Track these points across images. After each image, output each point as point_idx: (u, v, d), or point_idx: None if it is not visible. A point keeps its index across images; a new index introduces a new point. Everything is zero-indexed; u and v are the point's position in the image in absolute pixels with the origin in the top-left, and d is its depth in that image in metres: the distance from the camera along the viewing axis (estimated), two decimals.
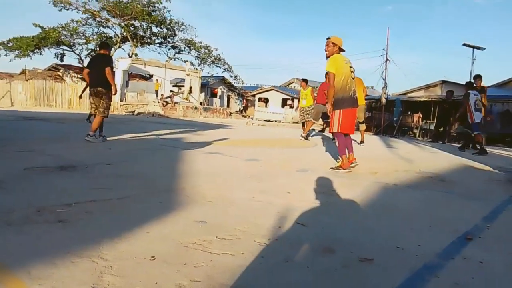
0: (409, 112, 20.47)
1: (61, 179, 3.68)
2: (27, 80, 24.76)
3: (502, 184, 4.66)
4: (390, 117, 20.04)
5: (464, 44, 21.86)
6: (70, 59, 48.09)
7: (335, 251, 2.13)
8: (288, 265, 1.93)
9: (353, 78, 5.05)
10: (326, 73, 5.07)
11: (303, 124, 11.53)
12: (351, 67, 5.03)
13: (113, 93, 6.95)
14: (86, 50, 30.34)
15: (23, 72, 27.07)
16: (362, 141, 9.15)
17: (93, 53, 30.12)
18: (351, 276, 1.83)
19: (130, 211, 2.74)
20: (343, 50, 5.07)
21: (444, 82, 24.49)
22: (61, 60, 30.50)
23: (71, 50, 29.83)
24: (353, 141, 8.85)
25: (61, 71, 32.14)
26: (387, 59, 23.82)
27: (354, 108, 5.07)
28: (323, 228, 2.54)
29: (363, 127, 9.42)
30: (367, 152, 7.81)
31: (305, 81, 11.36)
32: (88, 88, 7.03)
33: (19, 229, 2.21)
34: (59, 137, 7.32)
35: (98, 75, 6.72)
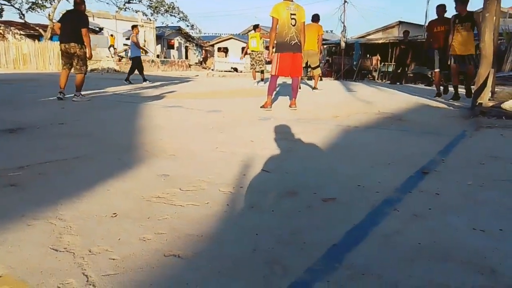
0: (368, 55, 20.64)
1: (11, 141, 3.46)
2: None
3: (457, 120, 4.86)
4: (350, 61, 20.17)
5: None
6: (10, 14, 43.95)
7: (299, 193, 2.16)
8: (253, 210, 1.94)
9: (293, 25, 5.37)
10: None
11: (262, 72, 11.39)
12: (292, 14, 5.35)
13: (88, 57, 6.67)
14: (26, 3, 27.78)
15: None
16: (315, 87, 9.16)
17: (34, 6, 27.71)
18: (315, 215, 1.87)
19: (88, 170, 2.63)
20: None
21: (401, 23, 24.70)
22: (0, 16, 27.89)
23: (10, 4, 27.19)
24: (305, 87, 8.96)
25: (1, 28, 29.48)
26: (345, 1, 23.53)
27: (292, 52, 5.46)
28: (286, 173, 2.56)
29: (316, 72, 9.34)
30: (328, 98, 7.89)
31: (256, 26, 11.08)
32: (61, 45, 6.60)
33: None
34: (7, 99, 6.84)
35: (72, 31, 6.43)
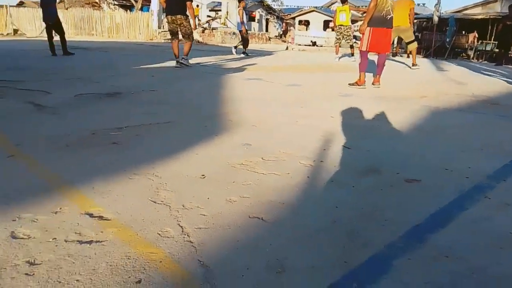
0: (463, 32, 18.86)
1: (110, 104, 3.82)
2: (66, 9, 24.92)
3: None
4: (442, 38, 18.61)
5: None
6: None
7: (381, 172, 2.13)
8: (334, 184, 1.96)
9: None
10: None
11: (351, 46, 11.07)
12: None
13: (194, 28, 7.27)
14: None
15: (61, 1, 27.13)
16: (414, 64, 8.67)
17: None
18: (397, 195, 1.84)
19: (178, 134, 2.84)
20: None
21: None
22: None
23: None
24: (404, 65, 8.53)
25: None
26: None
27: (385, 28, 5.25)
28: (368, 151, 2.53)
29: (412, 46, 8.81)
30: (415, 76, 7.45)
31: (342, 1, 10.62)
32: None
33: (78, 151, 2.36)
34: (104, 66, 7.49)
35: (177, 4, 6.98)
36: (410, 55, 10.08)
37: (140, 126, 2.97)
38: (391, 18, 5.26)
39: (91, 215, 1.53)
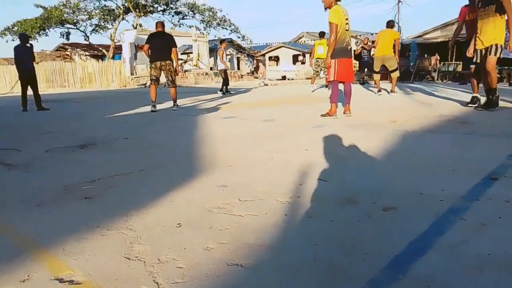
0: (426, 55, 19.75)
1: (83, 157, 3.75)
2: (37, 63, 24.86)
3: None
4: (406, 63, 19.42)
5: None
6: (76, 36, 47.55)
7: (358, 202, 2.14)
8: (312, 220, 1.95)
9: (347, 30, 5.38)
10: (329, 24, 5.26)
11: (322, 77, 11.55)
12: (347, 19, 5.34)
13: (177, 73, 7.63)
14: (90, 26, 29.99)
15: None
16: (392, 91, 9.09)
17: (97, 28, 29.82)
18: (375, 225, 1.84)
19: (153, 181, 2.79)
20: (339, 0, 5.36)
21: None
22: (67, 39, 30.34)
23: (75, 27, 29.54)
24: (380, 91, 8.85)
25: (68, 50, 32.12)
26: (399, 1, 22.79)
27: (348, 58, 5.52)
28: (344, 182, 2.54)
29: (395, 74, 9.23)
30: (384, 101, 7.67)
31: (323, 34, 11.10)
32: (152, 62, 7.48)
33: (49, 209, 2.29)
34: (77, 117, 7.42)
35: (165, 50, 7.39)
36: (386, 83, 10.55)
37: (114, 177, 2.91)
38: (351, 48, 5.56)
39: (61, 280, 1.46)
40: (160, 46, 7.38)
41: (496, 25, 5.12)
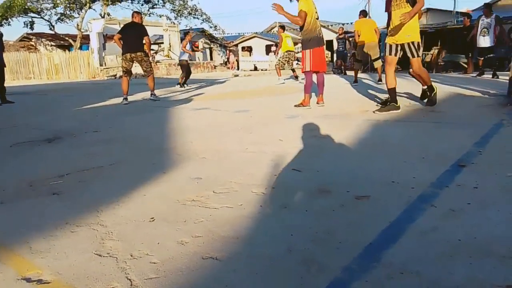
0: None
1: (50, 151, 3.62)
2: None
3: (492, 109, 4.68)
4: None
5: None
6: (41, 26, 45.69)
7: (332, 192, 2.16)
8: (286, 210, 1.95)
9: (317, 19, 5.40)
10: (299, 12, 5.23)
11: (293, 70, 11.44)
12: (315, 7, 5.38)
13: (151, 60, 7.55)
14: (55, 14, 28.72)
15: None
16: (379, 80, 9.06)
17: (63, 17, 28.68)
18: (349, 214, 1.86)
19: (124, 175, 2.72)
20: None
21: (429, 10, 23.91)
22: (31, 28, 28.98)
23: (40, 16, 28.23)
24: (357, 82, 8.92)
25: (33, 40, 30.75)
26: None
27: (321, 46, 5.49)
28: (317, 172, 2.56)
29: (378, 64, 9.26)
30: (354, 91, 7.77)
31: (283, 27, 11.06)
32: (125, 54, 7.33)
33: (14, 206, 2.20)
34: (43, 110, 7.15)
35: (136, 41, 7.26)
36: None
37: (83, 171, 2.82)
38: (323, 37, 5.53)
39: (28, 280, 1.40)
40: (132, 37, 7.25)
41: (413, 19, 4.45)
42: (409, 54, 4.63)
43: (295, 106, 5.51)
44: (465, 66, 14.88)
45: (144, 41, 7.34)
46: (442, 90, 6.99)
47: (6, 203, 2.24)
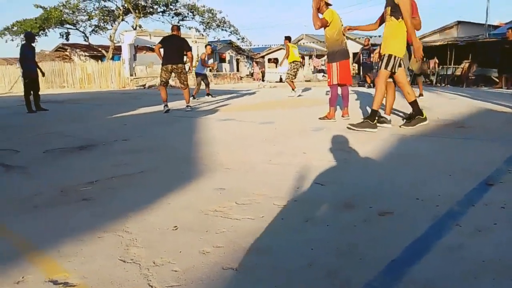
0: (424, 59, 19.80)
1: (81, 158, 3.75)
2: (38, 63, 24.88)
3: None
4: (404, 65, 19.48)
5: None
6: (75, 37, 47.46)
7: (355, 207, 2.14)
8: (308, 224, 1.95)
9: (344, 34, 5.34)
10: (321, 18, 5.12)
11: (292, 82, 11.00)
12: (341, 21, 5.33)
13: (190, 72, 7.85)
14: (90, 26, 29.90)
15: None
16: (421, 94, 8.81)
17: (97, 28, 29.80)
18: (372, 230, 1.85)
19: (151, 183, 2.79)
20: (330, 5, 5.28)
21: (459, 22, 23.45)
22: (67, 39, 30.26)
23: (75, 28, 29.46)
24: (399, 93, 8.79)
25: (68, 50, 32.05)
26: None
27: (347, 59, 5.47)
28: (341, 186, 2.55)
29: (421, 79, 9.07)
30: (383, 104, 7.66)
31: (288, 38, 10.87)
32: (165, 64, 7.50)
33: (46, 211, 2.29)
34: (75, 118, 7.42)
35: (177, 53, 7.51)
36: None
37: (112, 178, 2.91)
38: (347, 49, 5.48)
39: (55, 282, 1.46)
40: (173, 49, 7.48)
41: (393, 32, 4.35)
42: (381, 65, 4.50)
43: (320, 118, 5.50)
44: (497, 80, 14.46)
45: (185, 54, 7.57)
46: (472, 104, 6.83)
47: (39, 207, 2.34)
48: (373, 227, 1.87)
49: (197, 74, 12.00)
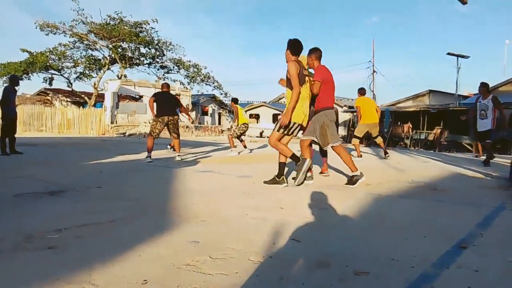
0: (399, 123, 20.67)
1: (52, 204, 3.62)
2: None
3: (494, 190, 4.69)
4: (381, 128, 20.26)
5: (448, 53, 22.18)
6: (59, 82, 47.70)
7: (330, 265, 2.12)
8: (283, 282, 1.90)
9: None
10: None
11: (241, 140, 11.14)
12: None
13: (192, 121, 8.50)
14: (74, 73, 30.18)
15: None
16: (386, 153, 9.44)
17: (82, 75, 30.07)
18: None
19: (122, 234, 2.70)
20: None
21: (431, 91, 24.87)
22: (50, 84, 30.29)
23: (59, 74, 29.63)
24: (361, 156, 9.09)
25: (50, 95, 32.04)
26: (374, 71, 24.15)
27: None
28: (317, 243, 2.53)
29: (379, 140, 9.51)
30: (359, 164, 7.83)
31: (235, 100, 11.18)
32: (159, 116, 7.98)
33: (9, 257, 2.16)
34: (50, 162, 7.25)
35: (172, 106, 8.20)
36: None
37: (82, 226, 2.81)
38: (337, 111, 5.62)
39: None
40: (168, 102, 8.11)
41: (288, 99, 4.79)
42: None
43: (320, 173, 5.88)
44: (468, 147, 15.08)
45: (178, 108, 8.40)
46: (444, 168, 7.06)
47: (2, 254, 2.21)
48: (349, 287, 1.84)
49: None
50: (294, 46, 4.76)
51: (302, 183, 4.76)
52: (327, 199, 3.94)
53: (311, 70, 5.13)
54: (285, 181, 4.79)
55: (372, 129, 9.33)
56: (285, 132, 4.81)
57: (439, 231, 2.83)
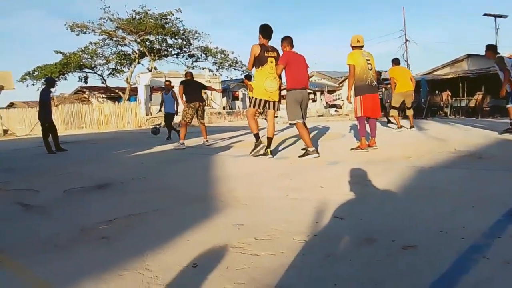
0: (436, 91, 19.85)
1: (99, 197, 3.80)
2: (56, 106, 25.69)
3: None
4: (417, 99, 19.53)
5: (485, 14, 20.96)
6: (93, 80, 49.37)
7: (377, 240, 2.10)
8: (330, 259, 1.91)
9: (370, 70, 5.86)
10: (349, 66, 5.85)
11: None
12: (367, 59, 5.88)
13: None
14: (107, 70, 31.11)
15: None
16: (411, 126, 9.30)
17: (114, 71, 30.97)
18: (395, 264, 1.80)
19: (169, 221, 2.79)
20: (360, 47, 5.96)
21: (469, 56, 23.62)
22: (85, 82, 31.41)
23: (93, 71, 30.64)
24: (402, 128, 8.94)
25: (86, 93, 33.21)
26: (406, 40, 23.19)
27: (373, 94, 5.90)
28: (361, 219, 2.51)
29: (410, 112, 9.57)
30: (398, 137, 7.65)
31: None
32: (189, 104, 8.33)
33: (67, 251, 2.30)
34: (93, 158, 7.57)
35: (200, 93, 8.71)
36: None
37: (130, 216, 2.93)
38: (376, 85, 5.99)
39: None
40: (196, 89, 8.58)
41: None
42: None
43: (352, 149, 5.85)
44: None
45: (205, 91, 9.02)
46: (490, 136, 6.75)
47: (59, 247, 2.35)
48: (397, 262, 1.83)
49: (168, 115, 11.00)
50: (266, 31, 5.74)
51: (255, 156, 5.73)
52: (367, 175, 3.89)
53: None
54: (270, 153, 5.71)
55: (407, 97, 9.23)
56: (255, 107, 5.85)
57: (488, 200, 2.73)
